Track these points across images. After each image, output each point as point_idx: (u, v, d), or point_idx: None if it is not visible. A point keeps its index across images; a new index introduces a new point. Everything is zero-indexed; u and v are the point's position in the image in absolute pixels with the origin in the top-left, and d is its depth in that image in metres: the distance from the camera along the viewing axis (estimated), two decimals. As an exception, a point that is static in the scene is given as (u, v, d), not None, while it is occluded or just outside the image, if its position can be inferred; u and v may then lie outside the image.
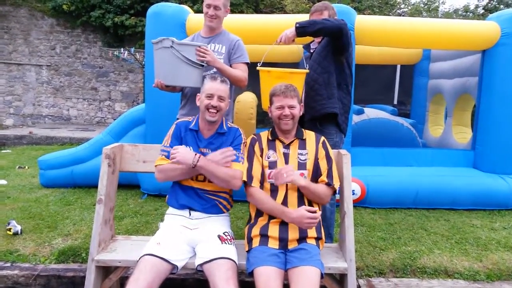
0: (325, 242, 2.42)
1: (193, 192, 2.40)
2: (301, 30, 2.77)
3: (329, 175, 2.34)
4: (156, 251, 2.13)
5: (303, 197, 2.31)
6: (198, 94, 2.50)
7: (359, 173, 4.31)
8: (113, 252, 2.45)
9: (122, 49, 10.12)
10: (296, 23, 2.78)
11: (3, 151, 7.82)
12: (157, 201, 4.35)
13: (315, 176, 2.35)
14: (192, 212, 2.36)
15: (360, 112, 5.37)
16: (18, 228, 3.38)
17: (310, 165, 2.34)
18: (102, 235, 2.47)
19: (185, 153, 2.23)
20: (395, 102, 8.61)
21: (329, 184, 2.32)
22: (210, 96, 2.37)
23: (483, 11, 14.84)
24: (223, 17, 3.03)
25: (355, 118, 5.25)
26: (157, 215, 3.89)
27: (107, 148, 2.55)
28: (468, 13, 14.98)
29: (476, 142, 4.80)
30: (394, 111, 5.58)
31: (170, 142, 2.42)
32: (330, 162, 2.38)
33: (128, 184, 4.70)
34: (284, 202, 2.27)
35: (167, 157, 2.34)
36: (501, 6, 14.40)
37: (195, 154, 2.25)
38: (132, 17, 10.52)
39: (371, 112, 5.44)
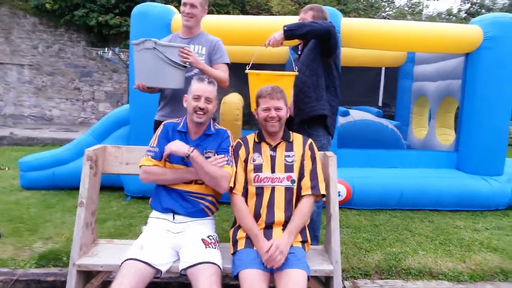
0: (311, 244, 2.41)
1: (177, 195, 2.36)
2: (289, 33, 2.76)
3: (313, 177, 2.32)
4: (139, 256, 2.09)
5: (291, 200, 2.29)
6: (184, 95, 2.46)
7: (345, 174, 4.32)
8: (95, 256, 2.40)
9: (106, 49, 9.98)
10: (284, 26, 2.77)
11: (-18, 152, 7.62)
12: (141, 203, 4.29)
13: (301, 178, 2.33)
14: (176, 216, 2.32)
15: (346, 114, 5.40)
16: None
17: (297, 167, 2.32)
18: (83, 239, 2.41)
19: (180, 144, 2.25)
20: (380, 104, 8.66)
21: (314, 193, 2.29)
22: (197, 98, 2.34)
23: (465, 15, 15.11)
24: (200, 17, 3.00)
25: (341, 120, 5.27)
26: (141, 217, 3.83)
27: (89, 150, 2.49)
28: (451, 16, 15.23)
29: (459, 144, 4.86)
30: (379, 113, 5.62)
31: (157, 142, 2.38)
32: (314, 163, 2.37)
33: (111, 186, 4.62)
34: (271, 206, 2.25)
35: (153, 157, 2.32)
36: (483, 10, 14.69)
37: (189, 146, 2.24)
38: (117, 17, 10.39)
39: (357, 114, 5.47)
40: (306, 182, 2.31)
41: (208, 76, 2.52)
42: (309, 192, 2.29)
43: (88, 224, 2.50)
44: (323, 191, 2.32)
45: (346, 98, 4.93)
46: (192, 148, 2.23)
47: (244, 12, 10.94)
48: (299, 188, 2.32)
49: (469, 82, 4.70)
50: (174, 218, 2.32)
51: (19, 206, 4.11)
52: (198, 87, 2.36)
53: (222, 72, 2.90)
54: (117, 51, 9.82)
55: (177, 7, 9.05)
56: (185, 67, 2.76)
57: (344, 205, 4.33)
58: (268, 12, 11.07)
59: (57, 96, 11.51)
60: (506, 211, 4.55)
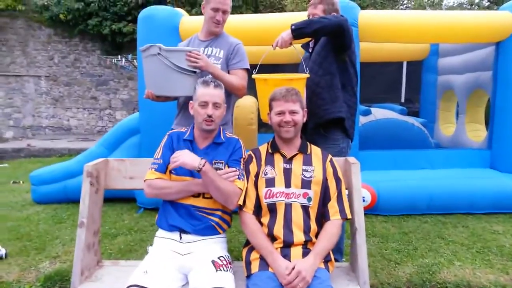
0: (335, 259, 2.15)
1: (185, 211, 2.13)
2: (298, 32, 2.49)
3: (339, 200, 2.08)
4: (143, 281, 1.87)
5: (309, 220, 2.03)
6: (190, 102, 2.24)
7: (369, 178, 4.02)
8: (97, 281, 2.20)
9: (119, 56, 9.92)
10: (292, 25, 2.51)
11: (0, 165, 7.62)
12: (154, 215, 4.02)
13: (323, 199, 2.08)
14: (183, 235, 2.09)
15: (367, 113, 5.08)
16: (3, 252, 3.15)
17: (317, 185, 2.06)
18: (85, 262, 2.22)
19: (190, 155, 2.00)
20: (402, 100, 8.31)
21: (343, 218, 2.06)
22: (204, 105, 2.13)
23: (488, 3, 14.49)
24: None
25: (362, 120, 4.97)
26: (153, 231, 3.61)
27: (88, 165, 2.30)
28: (473, 6, 14.63)
29: (493, 141, 4.50)
30: (403, 111, 5.29)
31: (162, 154, 2.18)
32: (339, 184, 2.12)
33: (124, 197, 4.46)
34: (287, 224, 2.00)
35: (157, 170, 2.12)
36: (507, -3, 14.06)
37: (201, 158, 2.00)
38: (130, 24, 10.32)
39: (379, 113, 5.14)
40: (334, 205, 2.07)
41: (212, 79, 2.28)
42: (338, 216, 2.05)
43: (90, 246, 2.30)
44: (349, 215, 2.08)
45: (366, 95, 4.66)
46: (203, 160, 2.00)
47: (257, 12, 10.73)
48: (326, 211, 2.08)
49: (501, 73, 4.34)
50: (181, 238, 2.10)
51: (28, 222, 3.98)
52: (204, 92, 2.14)
53: (238, 79, 2.61)
54: (130, 58, 9.74)
55: (189, 11, 8.92)
56: (195, 72, 2.51)
57: (369, 211, 4.03)
58: (282, 11, 10.82)
59: (74, 105, 11.54)
60: (547, 212, 4.17)
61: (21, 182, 5.89)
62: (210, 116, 2.10)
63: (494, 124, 4.46)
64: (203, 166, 1.97)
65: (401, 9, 13.68)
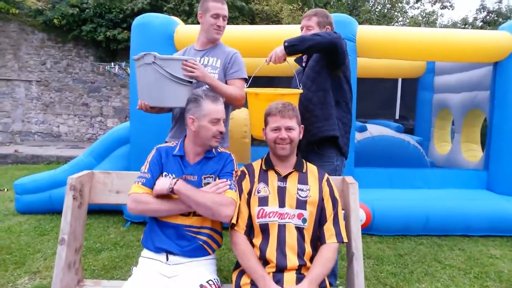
0: (329, 283, 2.02)
1: (172, 231, 2.01)
2: (291, 49, 2.41)
3: (335, 222, 1.97)
4: (125, 306, 1.74)
5: (304, 243, 1.91)
6: (190, 116, 2.10)
7: (364, 196, 3.87)
8: (77, 303, 2.06)
9: (112, 63, 9.79)
10: (285, 41, 2.43)
11: (-15, 171, 7.40)
12: (141, 229, 3.95)
13: (319, 221, 1.97)
14: (170, 257, 1.97)
15: (363, 129, 5.00)
16: (-21, 266, 2.98)
17: (312, 205, 1.95)
18: (64, 281, 2.08)
19: (160, 181, 1.94)
20: (397, 117, 8.26)
21: (339, 241, 1.94)
22: (216, 122, 2.04)
23: (481, 23, 14.66)
24: None
25: (358, 136, 4.88)
26: (139, 247, 3.48)
27: (72, 178, 2.17)
28: (467, 26, 14.78)
29: (490, 162, 4.44)
30: (400, 128, 5.22)
31: (149, 168, 2.05)
32: (336, 204, 2.01)
33: (111, 209, 4.30)
34: (281, 247, 1.88)
35: (144, 184, 1.99)
36: (500, 19, 14.22)
37: (172, 178, 1.93)
38: (125, 31, 10.21)
39: (375, 129, 5.06)
40: (330, 228, 1.95)
41: (215, 94, 2.17)
42: (334, 240, 1.93)
43: (71, 264, 2.16)
44: (346, 239, 1.97)
45: (361, 111, 4.57)
46: (174, 180, 1.91)
47: (253, 24, 10.70)
48: (321, 233, 1.96)
49: (499, 93, 4.30)
50: (167, 260, 1.97)
51: (9, 233, 3.81)
52: (216, 109, 2.05)
53: (236, 89, 2.51)
54: (124, 66, 9.61)
55: (185, 21, 8.84)
56: (191, 82, 2.40)
57: (364, 231, 3.92)
58: (279, 23, 10.81)
59: (65, 112, 11.34)
60: (544, 236, 4.09)
61: (6, 190, 5.69)
62: (222, 133, 2.06)
63: (491, 144, 4.40)
64: (174, 185, 1.89)
65: (397, 25, 13.76)
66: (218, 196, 1.92)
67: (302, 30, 2.67)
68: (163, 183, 1.92)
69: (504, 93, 4.23)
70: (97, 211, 4.34)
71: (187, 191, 1.90)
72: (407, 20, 14.99)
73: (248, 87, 2.55)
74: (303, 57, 2.81)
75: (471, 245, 3.83)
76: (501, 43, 4.09)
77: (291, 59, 2.61)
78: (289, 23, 10.47)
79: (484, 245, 3.82)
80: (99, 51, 10.94)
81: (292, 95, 2.38)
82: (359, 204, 3.76)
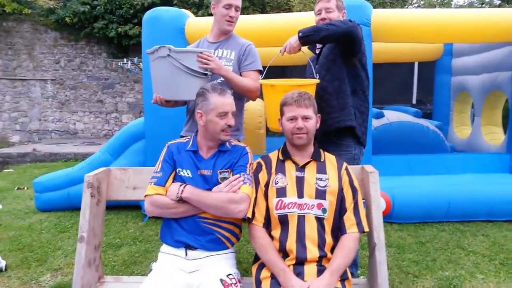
0: (351, 274, 1.98)
1: (190, 224, 1.98)
2: (305, 39, 2.37)
3: (356, 211, 1.92)
4: (146, 302, 1.73)
5: (324, 234, 1.87)
6: (198, 111, 2.08)
7: (383, 184, 3.74)
8: (98, 299, 2.06)
9: (125, 59, 9.82)
10: (299, 31, 2.37)
11: (5, 170, 7.54)
12: (159, 223, 3.91)
13: (339, 211, 1.92)
14: (189, 251, 1.94)
15: (380, 116, 4.89)
16: (2, 264, 3.03)
17: (332, 195, 1.90)
18: (85, 279, 2.08)
19: (170, 189, 1.93)
20: (414, 101, 8.11)
21: (360, 231, 1.89)
22: (224, 115, 2.00)
23: (500, 1, 14.23)
24: None
25: (375, 123, 4.78)
26: (158, 242, 3.49)
27: (89, 176, 2.17)
28: (484, 5, 14.37)
29: (512, 145, 4.30)
30: (418, 113, 5.09)
31: (161, 167, 2.03)
32: (356, 194, 1.95)
33: (129, 205, 4.33)
34: (301, 238, 1.84)
35: (157, 183, 1.97)
36: (519, -5, 13.77)
37: (180, 185, 1.91)
38: (136, 26, 10.23)
39: (392, 115, 4.95)
40: (350, 217, 1.90)
41: (223, 86, 2.12)
42: (355, 229, 1.88)
43: (91, 262, 2.16)
44: (366, 228, 1.92)
45: (376, 97, 4.48)
46: (182, 187, 1.91)
47: (264, 13, 10.59)
48: (342, 223, 1.91)
49: (521, 74, 4.14)
50: (186, 254, 1.95)
51: (31, 231, 3.86)
52: (223, 101, 2.00)
53: (251, 81, 2.47)
54: (136, 61, 9.63)
55: (196, 13, 8.79)
56: (206, 74, 2.37)
57: (384, 218, 3.80)
58: (289, 11, 10.67)
59: (81, 109, 11.46)
60: None
61: (25, 188, 5.78)
62: (230, 126, 2.01)
63: (514, 127, 4.27)
64: (181, 194, 1.89)
65: (411, 8, 13.46)
66: (227, 195, 1.89)
67: (320, 13, 2.57)
68: (172, 192, 1.92)
69: (526, 73, 4.08)
70: (115, 206, 4.38)
71: (195, 196, 1.89)
72: (422, 2, 14.65)
73: (263, 78, 2.50)
74: (316, 44, 2.74)
75: (495, 230, 3.74)
76: (522, 21, 3.92)
77: (305, 48, 2.55)
78: (300, 11, 10.33)
79: (508, 230, 3.72)
80: (111, 48, 10.99)
81: (309, 85, 2.32)
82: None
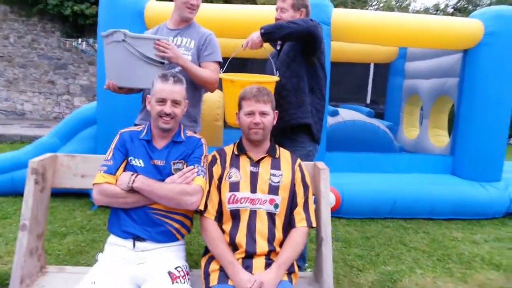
0: (298, 267, 2.04)
1: (140, 215, 1.95)
2: (267, 36, 2.40)
3: (305, 207, 1.96)
4: (90, 293, 1.69)
5: (274, 229, 1.90)
6: (148, 96, 2.05)
7: (334, 180, 3.87)
8: (39, 290, 1.99)
9: (80, 40, 9.41)
10: (261, 28, 2.40)
11: None
12: (108, 212, 3.83)
13: (291, 206, 1.96)
14: (137, 243, 1.91)
15: (335, 114, 5.03)
16: None
17: (285, 190, 1.94)
18: (26, 268, 2.00)
19: (121, 177, 1.89)
20: (368, 101, 8.38)
21: (308, 226, 1.94)
22: (162, 101, 1.95)
23: (452, 10, 14.94)
24: None
25: (330, 120, 4.91)
26: (106, 231, 3.37)
27: (34, 161, 2.07)
28: (439, 11, 15.03)
29: (456, 147, 4.56)
30: (371, 113, 5.28)
31: (112, 155, 1.98)
32: (307, 190, 2.00)
33: (77, 192, 4.18)
34: (251, 233, 1.87)
35: (107, 171, 1.92)
36: (470, 6, 14.52)
37: (131, 175, 1.87)
38: (93, 6, 9.80)
39: (346, 114, 5.10)
40: (300, 212, 1.95)
41: (172, 73, 2.08)
42: (304, 224, 1.93)
43: (33, 251, 2.07)
44: (315, 224, 1.97)
45: (333, 95, 4.59)
46: (133, 176, 1.88)
47: (228, 3, 10.49)
48: (292, 218, 1.95)
49: (467, 81, 4.39)
50: (134, 246, 1.92)
51: (-31, 217, 3.65)
52: (162, 88, 1.95)
53: (210, 72, 2.44)
54: (92, 42, 9.26)
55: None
56: (163, 63, 2.30)
57: (333, 214, 3.97)
58: (253, 3, 10.64)
59: (30, 89, 10.88)
60: (503, 220, 4.29)
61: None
62: (168, 114, 1.94)
63: (458, 131, 4.52)
64: (132, 183, 1.86)
65: (371, 10, 13.83)
66: (179, 186, 1.88)
67: (277, 11, 2.62)
68: (123, 181, 1.88)
69: (472, 80, 4.32)
70: (62, 193, 4.21)
71: (147, 186, 1.86)
72: (381, 4, 15.10)
73: (223, 71, 2.49)
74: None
75: (435, 228, 3.96)
76: (471, 31, 4.15)
77: (266, 43, 2.57)
78: (263, 3, 10.32)
79: (447, 228, 3.96)
80: (66, 27, 10.48)
81: (268, 83, 2.34)
82: (330, 187, 3.82)
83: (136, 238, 1.92)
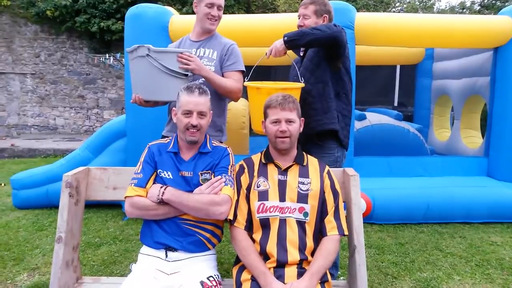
0: (331, 275, 2.00)
1: (171, 225, 1.97)
2: (290, 43, 2.38)
3: (336, 215, 1.93)
4: (124, 304, 1.71)
5: (305, 237, 1.88)
6: (173, 108, 2.08)
7: (364, 185, 3.82)
8: (76, 301, 2.03)
9: (107, 55, 9.67)
10: (284, 35, 2.39)
11: (-18, 166, 7.35)
12: (140, 222, 3.88)
13: (321, 214, 1.93)
14: (170, 253, 1.93)
15: (362, 118, 4.95)
16: (-23, 263, 2.95)
17: (314, 198, 1.91)
18: (62, 280, 2.04)
19: (150, 191, 1.91)
20: (395, 104, 8.23)
21: (340, 234, 1.91)
22: (188, 113, 1.97)
23: (479, 7, 14.53)
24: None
25: (357, 125, 4.83)
26: (138, 241, 3.40)
27: (68, 175, 2.13)
28: (465, 10, 14.66)
29: (490, 148, 4.41)
30: (399, 116, 5.17)
31: (142, 168, 2.01)
32: (337, 197, 1.97)
33: (109, 203, 4.27)
34: (281, 242, 1.85)
35: (137, 185, 1.95)
36: (498, 2, 14.09)
37: (161, 187, 1.89)
38: (119, 22, 10.08)
39: (374, 118, 5.01)
40: (331, 220, 1.91)
41: (197, 84, 2.10)
42: (336, 232, 1.90)
43: (69, 262, 2.13)
44: (346, 232, 1.94)
45: (359, 98, 4.52)
46: (162, 188, 1.90)
47: (249, 12, 10.57)
48: (323, 226, 1.92)
49: (499, 79, 4.25)
50: (167, 256, 1.93)
51: (8, 229, 3.77)
52: (188, 100, 1.97)
53: (233, 82, 2.45)
54: (119, 57, 9.50)
55: (180, 10, 8.71)
56: (186, 75, 2.34)
57: (365, 220, 3.89)
58: (275, 11, 10.68)
59: (61, 104, 11.26)
60: (544, 222, 4.08)
61: (3, 184, 5.65)
62: (194, 126, 1.95)
63: (492, 131, 4.37)
64: (162, 196, 1.87)
65: (394, 11, 13.63)
66: (208, 196, 1.88)
67: (299, 18, 2.61)
68: (153, 193, 1.90)
69: (504, 78, 4.18)
70: (95, 205, 4.31)
71: (177, 198, 1.88)
72: (405, 5, 14.85)
73: (248, 79, 2.49)
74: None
75: (472, 232, 3.82)
76: (501, 28, 4.02)
77: (289, 51, 2.56)
78: (285, 11, 10.35)
79: (485, 232, 3.81)
80: (93, 42, 10.83)
81: (294, 89, 2.33)
82: (360, 193, 3.75)
83: (168, 248, 1.93)
